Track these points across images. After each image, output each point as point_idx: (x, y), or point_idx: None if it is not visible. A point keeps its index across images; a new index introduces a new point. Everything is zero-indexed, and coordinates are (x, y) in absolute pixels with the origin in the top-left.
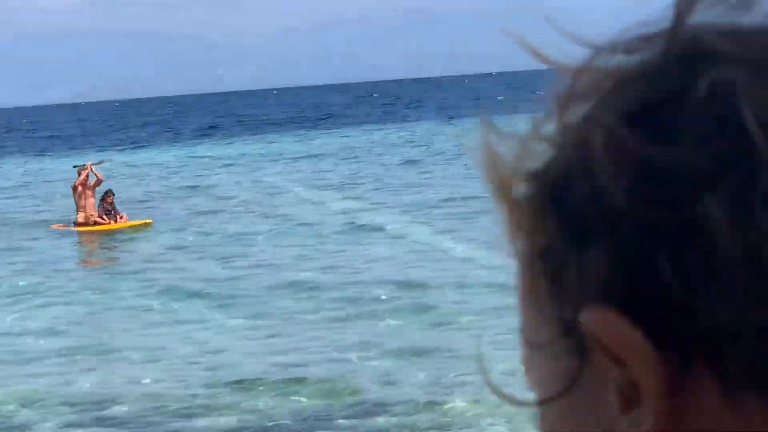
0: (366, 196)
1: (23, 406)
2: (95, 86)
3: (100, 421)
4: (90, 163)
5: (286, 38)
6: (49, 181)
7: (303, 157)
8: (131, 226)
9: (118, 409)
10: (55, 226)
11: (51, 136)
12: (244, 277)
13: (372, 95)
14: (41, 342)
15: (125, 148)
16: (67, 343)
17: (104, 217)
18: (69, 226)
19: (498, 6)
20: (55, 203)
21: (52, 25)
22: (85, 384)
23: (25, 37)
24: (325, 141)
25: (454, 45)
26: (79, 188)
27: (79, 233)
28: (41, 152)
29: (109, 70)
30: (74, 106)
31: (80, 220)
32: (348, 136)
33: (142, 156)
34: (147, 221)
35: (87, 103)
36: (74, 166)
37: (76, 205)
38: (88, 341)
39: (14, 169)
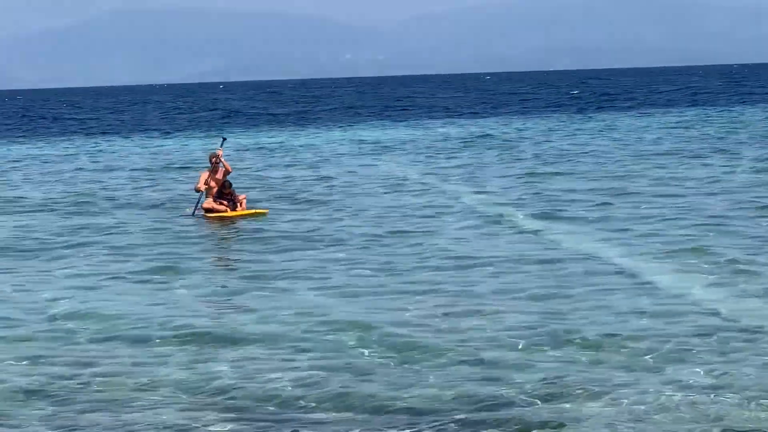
0: None
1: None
2: (228, 66)
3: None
4: (220, 151)
5: (420, 24)
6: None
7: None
8: (249, 214)
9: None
10: (190, 210)
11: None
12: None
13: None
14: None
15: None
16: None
17: (221, 202)
18: (198, 210)
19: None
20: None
21: (181, 4)
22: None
23: (152, 15)
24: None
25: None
26: (208, 174)
27: (205, 218)
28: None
29: (240, 51)
30: (213, 85)
31: (206, 206)
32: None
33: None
34: (263, 210)
35: (222, 83)
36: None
37: (204, 191)
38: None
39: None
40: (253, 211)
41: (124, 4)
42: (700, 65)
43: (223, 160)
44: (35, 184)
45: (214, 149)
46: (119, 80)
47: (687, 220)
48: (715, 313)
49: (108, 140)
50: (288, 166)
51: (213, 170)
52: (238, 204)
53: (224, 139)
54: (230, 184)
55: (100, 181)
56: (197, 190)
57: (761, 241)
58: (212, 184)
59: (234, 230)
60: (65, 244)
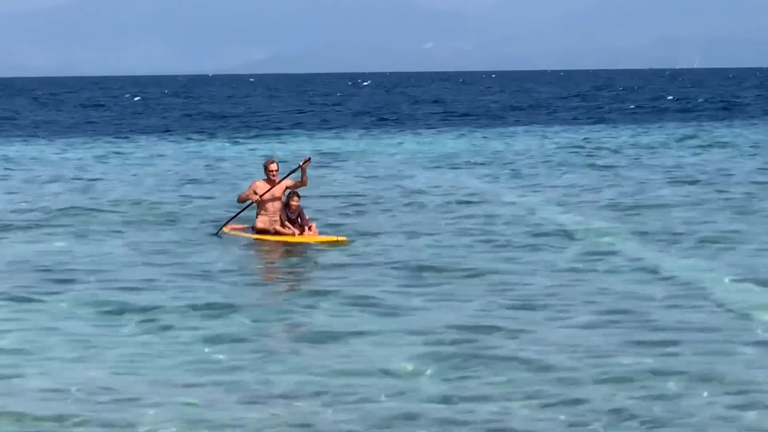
0: None
1: None
2: (280, 54)
3: None
4: (308, 158)
5: (515, 8)
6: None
7: None
8: (321, 242)
9: None
10: (228, 228)
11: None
12: None
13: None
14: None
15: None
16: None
17: (288, 225)
18: (245, 230)
19: None
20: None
21: None
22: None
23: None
24: None
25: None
26: (266, 186)
27: (256, 241)
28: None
29: (293, 39)
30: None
31: (260, 225)
32: None
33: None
34: (341, 238)
35: (263, 75)
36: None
37: (257, 206)
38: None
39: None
40: (328, 238)
41: None
42: None
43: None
44: None
45: (271, 156)
46: (155, 68)
47: None
48: None
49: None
50: (369, 178)
51: (268, 180)
52: (307, 228)
53: (309, 159)
54: (298, 195)
55: None
56: (239, 201)
57: None
58: (266, 199)
59: (305, 260)
60: None
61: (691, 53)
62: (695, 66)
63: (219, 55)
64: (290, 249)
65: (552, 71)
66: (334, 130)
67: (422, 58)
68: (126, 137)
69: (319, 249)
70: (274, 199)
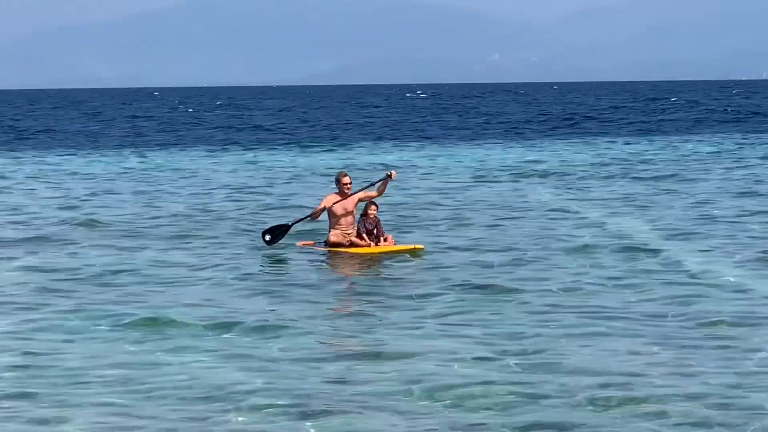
0: None
1: None
2: (345, 66)
3: None
4: (393, 173)
5: (579, 22)
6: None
7: None
8: (397, 251)
9: None
10: (300, 244)
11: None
12: None
13: None
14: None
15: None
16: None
17: (364, 236)
18: (317, 244)
19: None
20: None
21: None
22: None
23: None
24: None
25: None
26: (343, 203)
27: (330, 254)
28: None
29: (359, 50)
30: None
31: (333, 239)
32: None
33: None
34: (417, 246)
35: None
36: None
37: (330, 219)
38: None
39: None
40: (405, 246)
41: None
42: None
43: (392, 177)
44: None
45: (344, 169)
46: (221, 80)
47: None
48: None
49: None
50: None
51: (340, 193)
52: (383, 239)
53: (393, 172)
54: (376, 204)
55: None
56: (313, 216)
57: None
58: (338, 212)
59: (382, 272)
60: None
61: (760, 66)
62: (764, 77)
63: (284, 67)
64: (365, 261)
65: (617, 82)
66: (367, 141)
67: (490, 69)
68: (172, 147)
69: (395, 260)
70: (346, 213)
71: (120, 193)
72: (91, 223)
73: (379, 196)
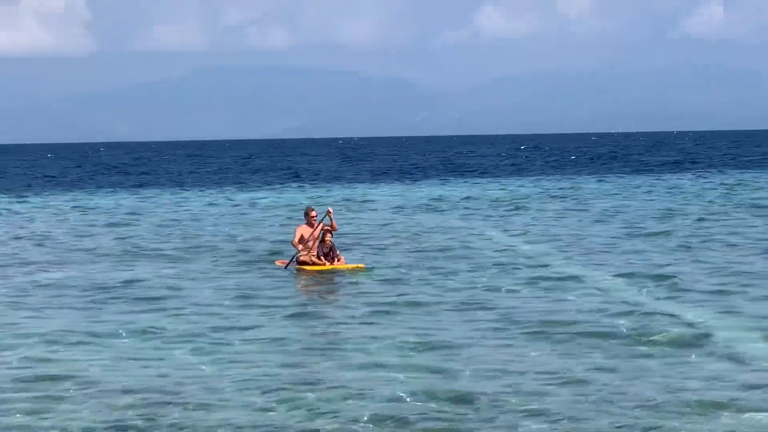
0: None
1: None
2: (306, 123)
3: None
4: (330, 210)
5: (494, 88)
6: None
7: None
8: (346, 269)
9: None
10: (278, 262)
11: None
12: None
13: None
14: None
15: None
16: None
17: (322, 258)
18: (292, 263)
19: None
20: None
21: (266, 64)
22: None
23: (240, 72)
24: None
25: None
26: (309, 230)
27: (298, 271)
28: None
29: (319, 110)
30: (286, 141)
31: (303, 258)
32: None
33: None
34: (359, 266)
35: (299, 139)
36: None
37: (301, 243)
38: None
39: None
40: (350, 266)
41: (205, 63)
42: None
43: (332, 217)
44: None
45: (311, 204)
46: (210, 134)
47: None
48: None
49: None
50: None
51: (308, 224)
52: (337, 260)
53: (330, 210)
54: (331, 234)
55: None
56: (294, 246)
57: None
58: (307, 238)
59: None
60: None
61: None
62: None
63: (260, 124)
64: (322, 276)
65: (515, 135)
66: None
67: (422, 123)
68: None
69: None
70: (313, 239)
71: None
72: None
73: (335, 230)
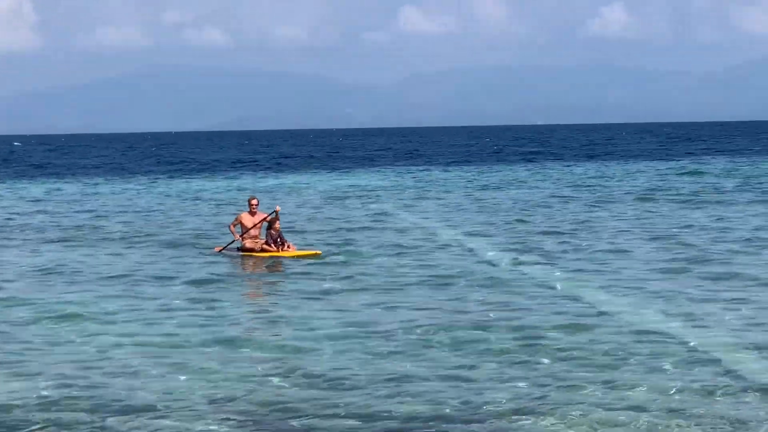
0: None
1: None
2: (241, 117)
3: None
4: (278, 208)
5: (412, 83)
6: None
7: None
8: (299, 256)
9: None
10: (218, 249)
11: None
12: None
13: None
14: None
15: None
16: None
17: (272, 244)
18: (229, 249)
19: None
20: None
21: (206, 64)
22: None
23: (180, 72)
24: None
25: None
26: (252, 219)
27: (244, 258)
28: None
29: (253, 106)
30: (222, 134)
31: (248, 245)
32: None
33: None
34: (316, 252)
35: (231, 132)
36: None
37: (242, 231)
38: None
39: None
40: (305, 252)
41: (149, 63)
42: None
43: (279, 215)
44: None
45: (253, 193)
46: (155, 127)
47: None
48: None
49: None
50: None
51: (251, 213)
52: (286, 246)
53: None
54: (278, 221)
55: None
56: (230, 231)
57: None
58: (249, 225)
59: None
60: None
61: (533, 116)
62: (537, 123)
63: (198, 116)
64: (274, 261)
65: (440, 128)
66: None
67: (344, 120)
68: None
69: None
70: (255, 226)
71: None
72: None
73: (276, 231)
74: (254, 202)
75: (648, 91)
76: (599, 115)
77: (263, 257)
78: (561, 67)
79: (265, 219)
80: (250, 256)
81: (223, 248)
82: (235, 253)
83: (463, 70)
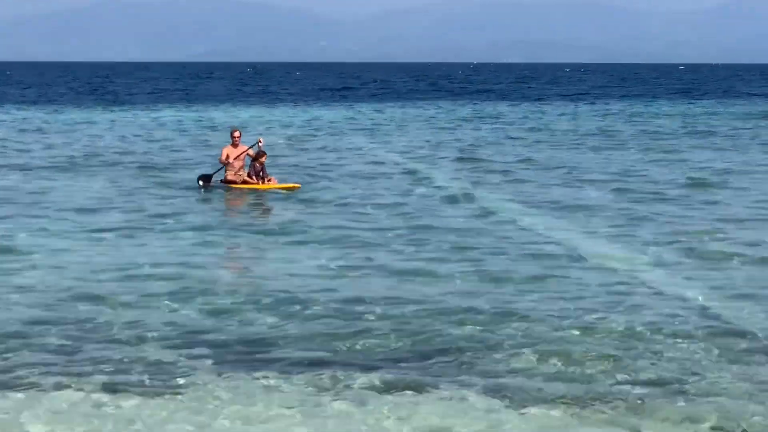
0: None
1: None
2: (214, 50)
3: None
4: (261, 140)
5: (387, 17)
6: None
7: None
8: (280, 188)
9: None
10: (203, 183)
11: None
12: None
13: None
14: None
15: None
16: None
17: (254, 177)
18: (214, 182)
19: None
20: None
21: None
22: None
23: (149, 2)
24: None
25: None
26: (236, 151)
27: (227, 189)
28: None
29: (224, 37)
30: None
31: (229, 177)
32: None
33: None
34: (295, 185)
35: (212, 63)
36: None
37: (226, 162)
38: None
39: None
40: (285, 185)
41: None
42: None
43: (262, 147)
44: None
45: (235, 126)
46: (125, 57)
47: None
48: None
49: None
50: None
51: (233, 145)
52: (267, 180)
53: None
54: (265, 153)
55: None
56: (222, 163)
57: None
58: (232, 159)
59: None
60: None
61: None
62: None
63: (172, 48)
64: (255, 194)
65: (414, 63)
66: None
67: (320, 52)
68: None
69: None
70: (238, 159)
71: None
72: None
73: (262, 162)
74: (236, 134)
75: (626, 30)
76: (583, 54)
77: (243, 189)
78: (544, 3)
79: (246, 151)
80: (231, 188)
81: (208, 182)
82: (218, 185)
83: (439, 4)
